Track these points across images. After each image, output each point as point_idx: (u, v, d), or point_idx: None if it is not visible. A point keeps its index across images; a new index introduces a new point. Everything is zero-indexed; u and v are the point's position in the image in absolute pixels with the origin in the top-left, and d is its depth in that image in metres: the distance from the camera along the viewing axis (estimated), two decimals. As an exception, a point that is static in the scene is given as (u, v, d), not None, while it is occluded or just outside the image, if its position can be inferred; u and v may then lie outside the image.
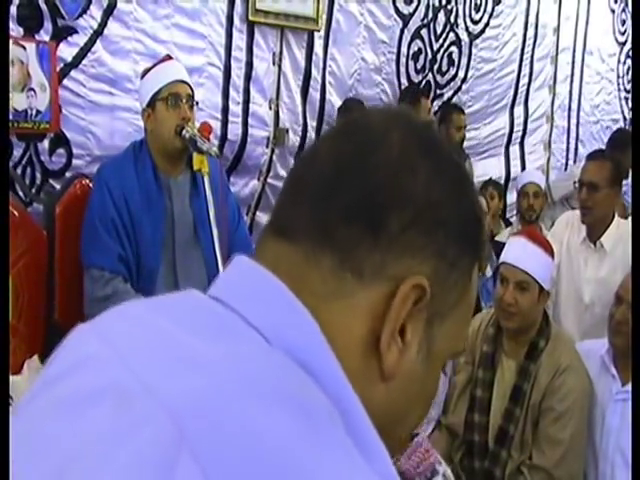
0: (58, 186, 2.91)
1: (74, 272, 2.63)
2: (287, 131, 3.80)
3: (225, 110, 3.48)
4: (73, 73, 2.94)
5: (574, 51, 5.50)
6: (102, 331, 0.57)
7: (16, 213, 2.59)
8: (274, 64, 3.71)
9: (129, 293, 2.47)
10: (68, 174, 2.97)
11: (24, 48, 2.71)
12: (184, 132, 2.47)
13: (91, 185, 2.72)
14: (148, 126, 2.58)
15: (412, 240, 0.56)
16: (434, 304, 0.58)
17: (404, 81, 4.36)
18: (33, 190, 2.90)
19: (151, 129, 2.58)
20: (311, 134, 3.95)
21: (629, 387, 2.18)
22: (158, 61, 2.71)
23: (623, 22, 5.75)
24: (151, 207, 2.55)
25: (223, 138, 3.49)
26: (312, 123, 3.96)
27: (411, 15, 4.29)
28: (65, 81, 2.94)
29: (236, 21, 3.48)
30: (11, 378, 2.25)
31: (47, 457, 0.46)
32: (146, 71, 2.64)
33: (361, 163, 0.58)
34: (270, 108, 3.74)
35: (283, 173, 3.91)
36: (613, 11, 5.69)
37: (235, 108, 3.55)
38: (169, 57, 2.78)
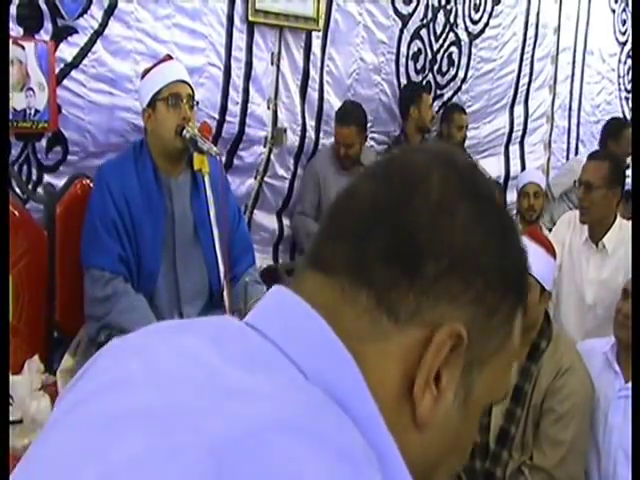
0: (52, 181, 2.92)
1: (74, 272, 2.63)
2: (285, 131, 3.80)
3: (223, 110, 3.48)
4: (73, 73, 2.94)
5: (575, 51, 5.50)
6: (142, 352, 0.57)
7: (17, 213, 2.59)
8: (272, 64, 3.70)
9: (129, 293, 2.47)
10: (62, 168, 2.97)
11: (23, 48, 2.71)
12: (184, 132, 2.47)
13: (92, 185, 2.72)
14: (148, 126, 2.58)
15: (449, 286, 0.55)
16: (472, 350, 0.56)
17: (404, 81, 4.36)
18: (30, 186, 2.90)
19: (151, 129, 2.58)
20: (310, 134, 3.95)
21: (631, 384, 2.19)
22: (158, 61, 2.71)
23: (624, 22, 5.75)
24: (151, 207, 2.55)
25: (217, 136, 3.49)
26: (311, 123, 3.95)
27: (410, 15, 4.29)
28: (65, 81, 2.93)
29: (236, 21, 3.47)
30: (11, 378, 2.25)
31: (95, 466, 0.47)
32: (146, 71, 2.64)
33: (400, 205, 0.57)
34: (268, 108, 3.73)
35: (282, 172, 3.91)
36: (613, 11, 5.69)
37: (233, 108, 3.55)
38: (169, 57, 2.78)
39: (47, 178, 2.95)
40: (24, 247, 2.57)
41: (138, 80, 3.00)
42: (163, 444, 0.46)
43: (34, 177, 2.91)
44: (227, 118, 3.51)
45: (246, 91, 3.59)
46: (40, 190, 2.88)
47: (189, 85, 2.61)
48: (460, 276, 0.56)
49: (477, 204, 0.58)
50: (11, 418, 2.15)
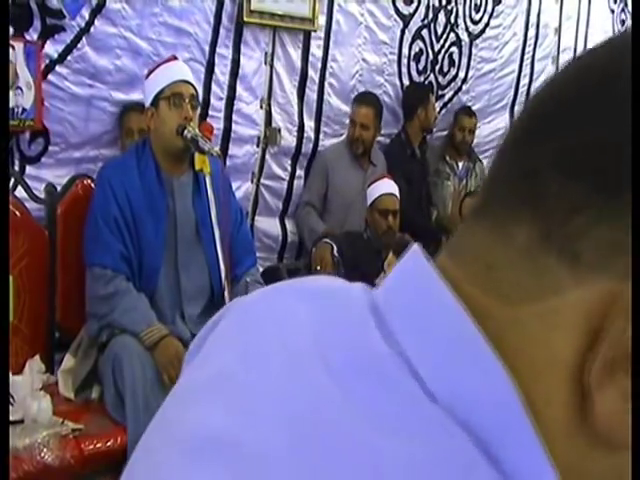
0: (34, 172, 2.94)
1: (76, 272, 2.64)
2: (279, 131, 3.78)
3: (206, 104, 3.46)
4: (57, 68, 2.97)
5: (575, 51, 5.50)
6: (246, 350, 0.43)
7: (18, 213, 2.60)
8: (266, 63, 3.70)
9: (131, 292, 2.48)
10: (44, 160, 2.99)
11: (13, 48, 2.74)
12: (185, 132, 2.48)
13: (93, 185, 2.73)
14: (151, 125, 2.60)
15: None
16: None
17: (406, 82, 4.36)
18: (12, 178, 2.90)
19: (154, 128, 2.59)
20: (309, 135, 3.94)
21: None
22: (163, 61, 2.73)
23: (623, 22, 5.75)
24: (153, 206, 2.56)
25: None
26: (310, 124, 3.95)
27: (411, 16, 4.29)
28: (49, 76, 2.95)
29: (224, 19, 3.47)
30: (12, 378, 2.25)
31: None
32: (150, 71, 2.66)
33: (595, 90, 0.37)
34: (261, 107, 3.73)
35: (279, 173, 3.89)
36: (613, 11, 5.69)
37: (217, 103, 3.54)
38: (174, 57, 2.79)
39: (29, 169, 2.96)
40: (25, 247, 2.57)
41: (117, 74, 3.06)
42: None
43: (16, 168, 2.91)
44: (210, 112, 3.50)
45: (232, 88, 3.58)
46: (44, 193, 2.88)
47: (192, 85, 2.62)
48: None
49: None
50: (12, 418, 2.16)
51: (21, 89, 2.82)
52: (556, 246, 0.35)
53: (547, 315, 0.35)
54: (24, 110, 2.84)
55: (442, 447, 0.33)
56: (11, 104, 2.78)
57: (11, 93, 2.77)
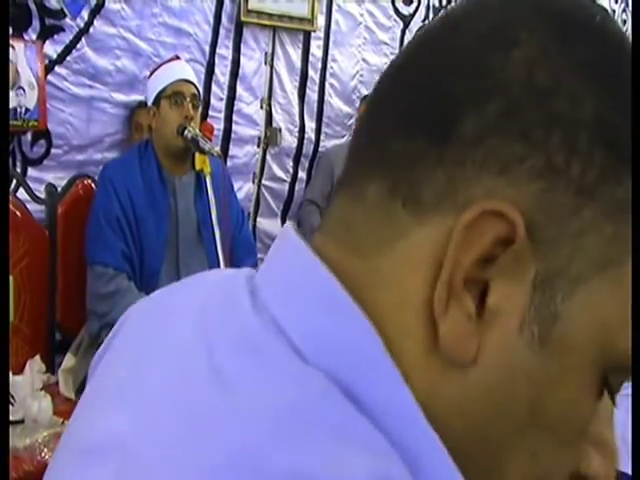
0: (36, 175, 2.93)
1: (76, 272, 2.63)
2: (280, 131, 3.78)
3: (206, 104, 3.46)
4: (57, 69, 2.96)
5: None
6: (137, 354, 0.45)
7: (18, 213, 2.59)
8: (266, 64, 3.70)
9: (132, 291, 2.48)
10: (46, 162, 2.98)
11: (13, 48, 2.74)
12: (186, 132, 2.48)
13: (93, 185, 2.73)
14: (153, 124, 2.61)
15: (499, 148, 0.36)
16: (548, 258, 0.36)
17: (407, 82, 4.36)
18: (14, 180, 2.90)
19: (155, 127, 2.60)
20: (310, 136, 3.94)
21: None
22: (165, 60, 2.74)
23: (624, 22, 5.75)
24: (155, 206, 2.56)
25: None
26: (311, 125, 3.95)
27: (412, 16, 4.29)
28: (49, 77, 2.95)
29: (224, 20, 3.47)
30: (13, 378, 2.25)
31: None
32: (153, 70, 2.67)
33: (433, 46, 0.39)
34: (262, 107, 3.73)
35: (280, 174, 3.89)
36: (614, 11, 5.69)
37: (217, 104, 3.54)
38: (177, 57, 2.80)
39: (31, 172, 2.96)
40: (25, 247, 2.57)
41: (117, 74, 3.04)
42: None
43: (18, 170, 2.91)
44: (210, 113, 3.50)
45: (232, 88, 3.58)
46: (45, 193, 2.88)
47: (194, 85, 2.62)
48: (520, 130, 0.36)
49: (556, 27, 0.37)
50: (12, 418, 2.15)
51: (23, 89, 2.81)
52: (401, 194, 0.37)
53: (398, 258, 0.37)
54: (27, 110, 2.83)
55: (294, 382, 0.36)
56: (13, 104, 2.78)
57: (12, 93, 2.77)
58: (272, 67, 3.71)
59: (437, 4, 4.43)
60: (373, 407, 0.35)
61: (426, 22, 4.38)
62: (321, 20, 3.82)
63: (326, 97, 3.97)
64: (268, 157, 3.81)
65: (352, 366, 0.36)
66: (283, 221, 3.96)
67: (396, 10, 4.20)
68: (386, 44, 4.19)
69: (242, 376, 0.36)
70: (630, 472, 0.57)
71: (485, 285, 0.36)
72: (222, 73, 3.53)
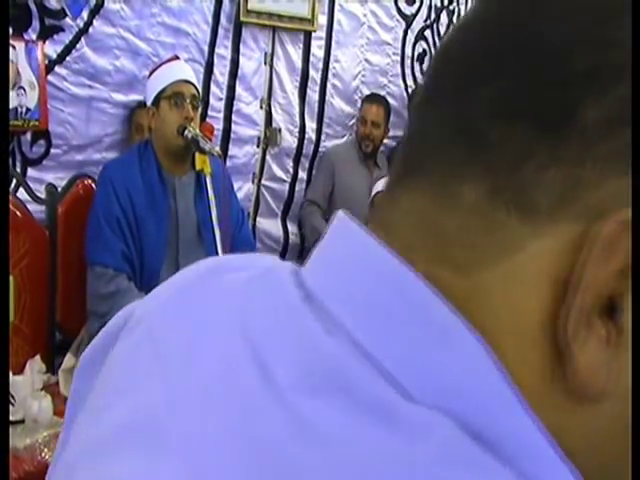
0: (36, 175, 2.93)
1: (76, 272, 2.63)
2: (280, 131, 3.78)
3: (205, 104, 3.46)
4: (56, 69, 2.97)
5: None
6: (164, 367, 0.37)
7: (18, 213, 2.60)
8: (265, 64, 3.70)
9: (132, 291, 2.47)
10: (45, 162, 2.98)
11: (14, 47, 2.74)
12: (186, 132, 2.48)
13: (93, 185, 2.73)
14: (152, 125, 2.60)
15: (626, 140, 0.30)
16: None
17: (410, 83, 4.35)
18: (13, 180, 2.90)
19: (155, 128, 2.59)
20: (310, 136, 3.94)
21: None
22: (165, 60, 2.74)
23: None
24: (155, 206, 2.56)
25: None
26: (312, 125, 3.94)
27: (414, 16, 4.28)
28: (49, 77, 2.95)
29: (223, 20, 3.47)
30: (13, 378, 2.25)
31: None
32: (152, 70, 2.66)
33: (528, 18, 0.32)
34: (261, 107, 3.72)
35: (280, 174, 3.89)
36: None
37: (217, 104, 3.54)
38: (176, 57, 2.79)
39: (31, 172, 2.96)
40: (26, 247, 2.57)
41: (117, 74, 3.05)
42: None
43: (18, 170, 2.91)
44: (210, 113, 3.50)
45: (231, 88, 3.58)
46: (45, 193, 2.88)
47: (194, 86, 2.62)
48: None
49: None
50: (12, 418, 2.16)
51: (24, 89, 2.82)
52: (504, 198, 0.31)
53: (506, 274, 0.31)
54: (28, 110, 2.84)
55: (407, 431, 0.29)
56: (14, 104, 2.78)
57: (13, 93, 2.77)
58: (272, 67, 3.71)
59: (439, 4, 4.42)
60: (512, 456, 0.30)
61: (428, 22, 4.38)
62: (322, 20, 3.81)
63: (327, 97, 3.97)
64: (268, 157, 3.81)
65: (480, 408, 0.30)
66: (283, 221, 3.95)
67: (399, 10, 4.19)
68: (388, 44, 4.18)
69: (331, 424, 0.29)
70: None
71: (610, 303, 0.30)
72: (221, 73, 3.53)
